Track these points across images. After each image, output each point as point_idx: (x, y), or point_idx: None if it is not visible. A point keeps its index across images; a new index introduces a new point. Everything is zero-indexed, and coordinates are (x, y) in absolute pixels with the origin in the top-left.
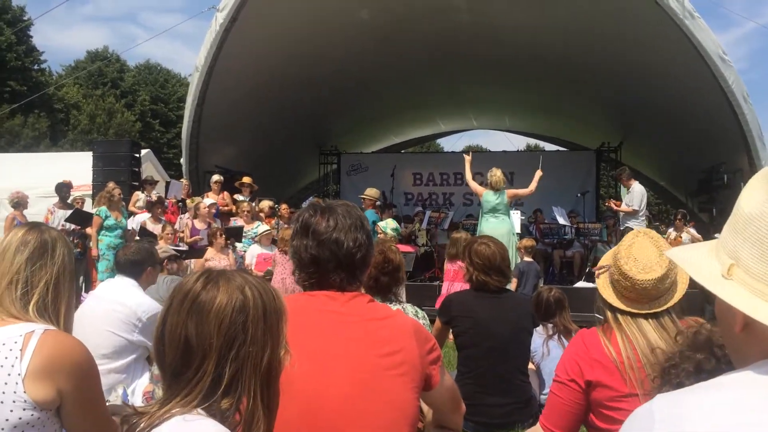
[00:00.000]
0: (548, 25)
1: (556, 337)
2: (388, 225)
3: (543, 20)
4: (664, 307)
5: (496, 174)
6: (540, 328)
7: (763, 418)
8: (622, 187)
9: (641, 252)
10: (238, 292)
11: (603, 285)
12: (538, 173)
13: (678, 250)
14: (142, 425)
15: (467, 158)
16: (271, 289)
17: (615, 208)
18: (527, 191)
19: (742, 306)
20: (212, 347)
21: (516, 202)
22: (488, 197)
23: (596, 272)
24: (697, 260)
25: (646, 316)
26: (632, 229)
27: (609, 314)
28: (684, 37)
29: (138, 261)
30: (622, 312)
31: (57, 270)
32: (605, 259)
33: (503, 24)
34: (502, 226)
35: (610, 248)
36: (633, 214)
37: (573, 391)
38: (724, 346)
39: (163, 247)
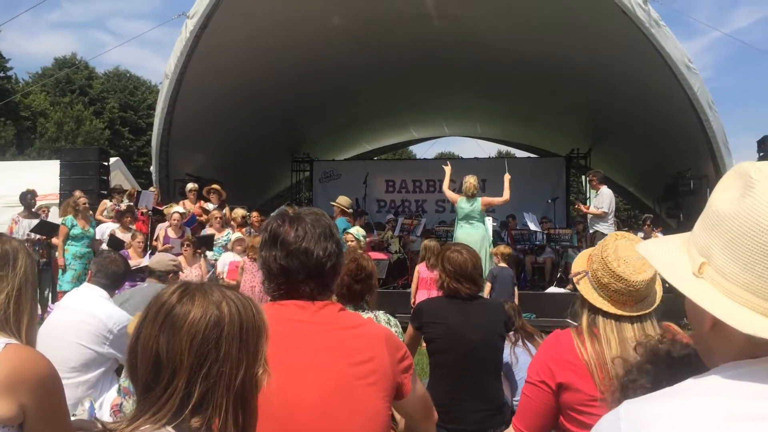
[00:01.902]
0: (518, 32)
1: (520, 342)
2: (359, 232)
3: (513, 27)
4: (650, 310)
5: (468, 181)
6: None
7: (729, 425)
8: (591, 191)
9: (628, 254)
10: (214, 307)
11: (587, 290)
12: (507, 177)
13: (649, 244)
14: None
15: (447, 169)
16: (253, 306)
17: (584, 210)
18: (502, 200)
19: (711, 308)
20: (183, 363)
21: (489, 209)
22: (462, 204)
23: (575, 279)
24: (667, 257)
25: (631, 320)
26: (602, 233)
27: (586, 318)
28: (650, 45)
29: (122, 275)
30: (607, 315)
31: (19, 281)
32: (579, 265)
33: (474, 31)
34: (476, 233)
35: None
36: (602, 217)
37: (543, 392)
38: (684, 357)
39: (163, 261)
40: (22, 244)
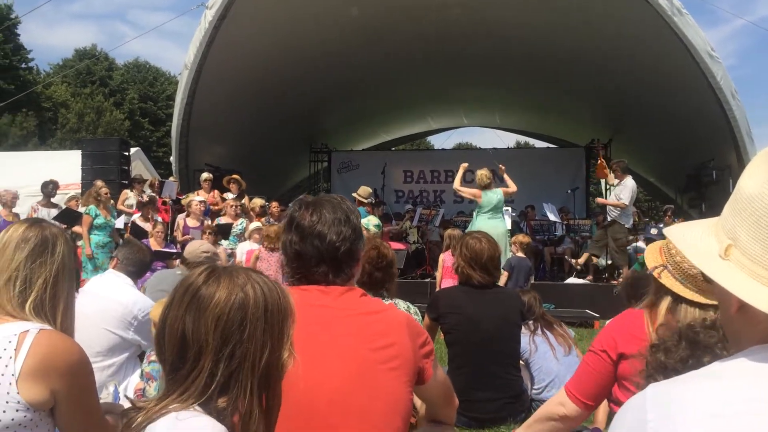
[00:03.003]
0: (539, 22)
1: (539, 331)
2: (370, 222)
3: (534, 17)
4: None
5: (479, 172)
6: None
7: (757, 407)
8: (604, 182)
9: None
10: (239, 289)
11: (670, 282)
12: (502, 167)
13: (676, 228)
14: (139, 419)
15: (463, 166)
16: (279, 289)
17: (601, 201)
18: (512, 190)
19: (735, 289)
20: (208, 344)
21: (507, 200)
22: (490, 196)
23: (655, 273)
24: (694, 239)
25: (715, 307)
26: (620, 223)
27: (666, 305)
28: (672, 34)
29: (147, 264)
30: (692, 303)
31: (56, 268)
32: (654, 259)
33: (494, 21)
34: (502, 225)
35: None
36: (622, 208)
37: (602, 361)
38: (710, 346)
39: (194, 252)
40: (61, 230)
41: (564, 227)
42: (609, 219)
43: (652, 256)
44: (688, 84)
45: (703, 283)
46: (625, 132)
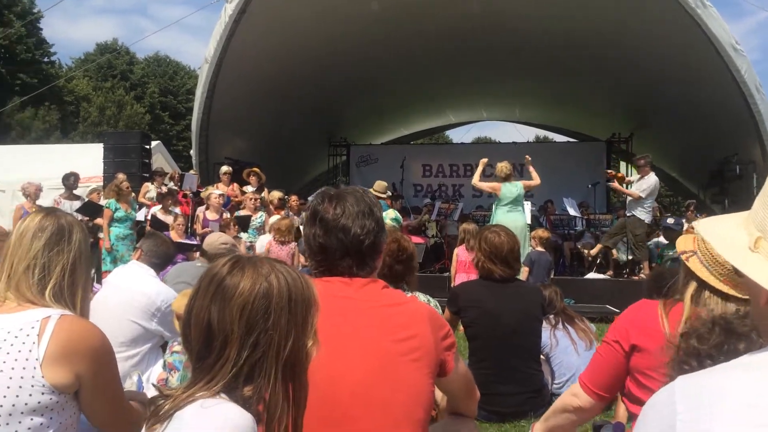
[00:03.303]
0: (559, 14)
1: (560, 326)
2: (387, 215)
3: (554, 9)
4: None
5: (500, 165)
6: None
7: None
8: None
9: None
10: (263, 279)
11: (697, 267)
12: (528, 158)
13: (707, 221)
14: (166, 407)
15: (482, 161)
16: (303, 279)
17: (616, 186)
18: (536, 183)
19: (764, 281)
20: (233, 333)
21: (526, 194)
22: (509, 189)
23: (683, 257)
24: (723, 231)
25: (737, 301)
26: (638, 217)
27: (691, 290)
28: (696, 26)
29: (171, 256)
30: (715, 291)
31: (73, 255)
32: (686, 245)
33: (514, 14)
34: (521, 219)
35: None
36: (638, 202)
37: (615, 352)
38: (744, 334)
39: (214, 243)
40: (76, 219)
41: (584, 222)
42: (628, 214)
43: (684, 242)
44: (711, 77)
45: (730, 272)
46: (646, 126)
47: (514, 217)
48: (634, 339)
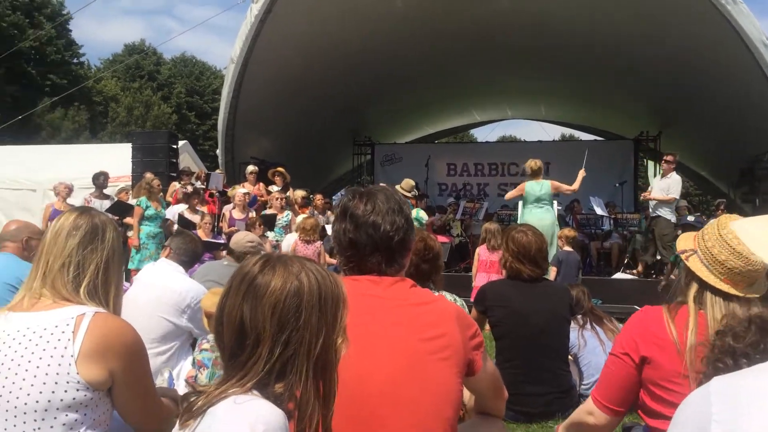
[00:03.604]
0: (586, 11)
1: (589, 326)
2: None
3: (581, 7)
4: (758, 295)
5: (529, 163)
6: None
7: None
8: (654, 174)
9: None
10: (294, 277)
11: (697, 266)
12: (582, 173)
13: (744, 221)
14: (199, 403)
15: (520, 188)
16: (332, 277)
17: (648, 196)
18: (571, 189)
19: None
20: (265, 331)
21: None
22: (532, 187)
23: (683, 256)
24: (760, 232)
25: (739, 300)
26: (665, 218)
27: (693, 292)
28: (726, 22)
29: (199, 254)
30: (716, 291)
31: (107, 253)
32: (686, 244)
33: (541, 12)
34: (548, 217)
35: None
36: (668, 203)
37: (625, 365)
38: None
39: (241, 242)
40: (109, 218)
41: (611, 221)
42: (653, 215)
43: (684, 241)
44: (741, 74)
45: (730, 271)
46: (675, 124)
47: (540, 215)
48: (644, 351)
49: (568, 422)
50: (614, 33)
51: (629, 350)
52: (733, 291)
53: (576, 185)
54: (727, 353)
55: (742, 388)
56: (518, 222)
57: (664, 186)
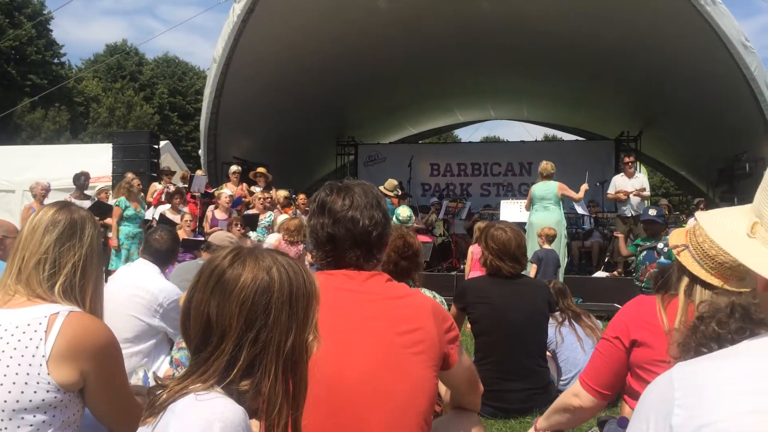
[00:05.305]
0: (567, 12)
1: (566, 323)
2: (401, 213)
3: (563, 7)
4: (747, 290)
5: (542, 164)
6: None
7: None
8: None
9: None
10: (264, 272)
11: (688, 261)
12: (585, 187)
13: (708, 213)
14: (163, 397)
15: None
16: (304, 272)
17: (631, 194)
18: (576, 197)
19: (755, 265)
20: (232, 327)
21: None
22: (537, 188)
23: (675, 251)
24: (722, 221)
25: (728, 294)
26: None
27: (684, 286)
28: (705, 23)
29: (167, 251)
30: (706, 285)
31: (85, 251)
32: (677, 239)
33: (522, 13)
34: (551, 217)
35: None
36: (629, 199)
37: (615, 348)
38: (760, 322)
39: (220, 236)
40: (90, 214)
41: (592, 220)
42: (632, 214)
43: (677, 236)
44: (721, 75)
45: (720, 265)
46: (655, 124)
47: (543, 216)
48: (634, 334)
49: (553, 406)
50: (595, 34)
51: (620, 334)
52: (723, 285)
53: (580, 195)
54: (712, 339)
55: (705, 373)
56: (527, 223)
57: (639, 183)
